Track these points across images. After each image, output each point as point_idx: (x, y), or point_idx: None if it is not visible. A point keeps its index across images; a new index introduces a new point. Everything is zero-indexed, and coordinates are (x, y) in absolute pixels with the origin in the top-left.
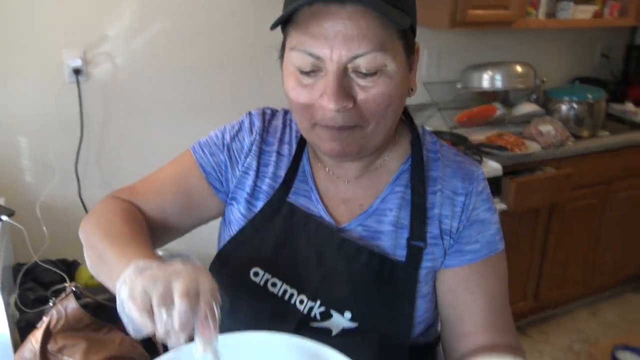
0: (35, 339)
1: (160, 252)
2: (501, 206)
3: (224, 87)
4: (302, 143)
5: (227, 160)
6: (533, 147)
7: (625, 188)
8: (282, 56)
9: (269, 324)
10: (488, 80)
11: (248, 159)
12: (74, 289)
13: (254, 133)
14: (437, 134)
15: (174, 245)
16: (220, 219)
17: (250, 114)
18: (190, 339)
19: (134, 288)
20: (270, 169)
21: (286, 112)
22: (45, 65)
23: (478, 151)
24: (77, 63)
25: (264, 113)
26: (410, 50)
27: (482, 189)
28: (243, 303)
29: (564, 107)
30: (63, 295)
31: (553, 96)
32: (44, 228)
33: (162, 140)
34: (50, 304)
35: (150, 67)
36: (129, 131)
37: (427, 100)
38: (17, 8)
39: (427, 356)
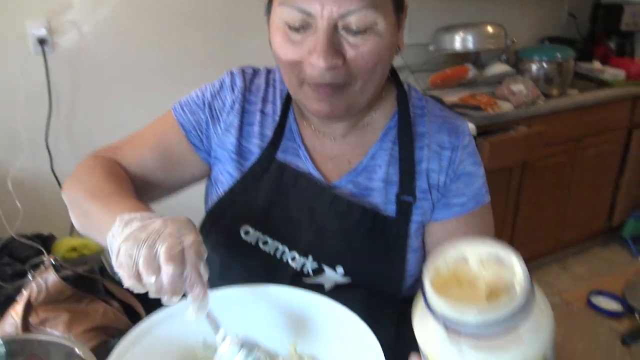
0: (15, 312)
1: None
2: None
3: (199, 50)
4: (287, 101)
5: (209, 119)
6: (505, 107)
7: (594, 144)
8: (268, 12)
9: (261, 282)
10: (460, 41)
11: (230, 117)
12: (53, 261)
13: (236, 92)
14: None
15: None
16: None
17: (231, 72)
18: (184, 295)
19: (119, 254)
20: (256, 128)
21: (269, 72)
22: (8, 36)
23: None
24: (42, 33)
25: (244, 72)
26: (399, 9)
27: (467, 143)
28: (235, 262)
29: (534, 67)
30: (42, 268)
31: (523, 56)
32: (17, 202)
33: (136, 109)
34: (29, 277)
35: (120, 34)
36: (101, 102)
37: (399, 63)
38: None
39: None
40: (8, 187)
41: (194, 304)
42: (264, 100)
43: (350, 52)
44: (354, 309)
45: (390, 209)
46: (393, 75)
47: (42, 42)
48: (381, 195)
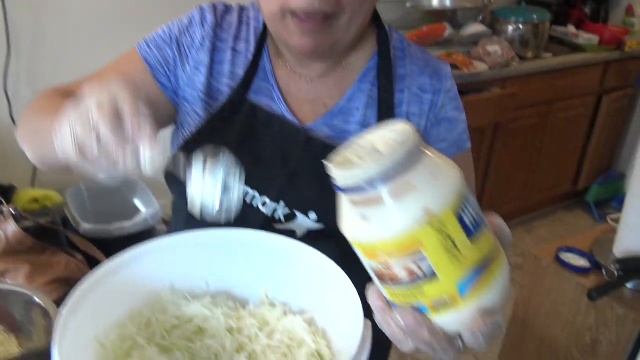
0: None
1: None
2: None
3: None
4: (262, 40)
5: (177, 56)
6: (480, 67)
7: (565, 109)
8: None
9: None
10: None
11: (200, 55)
12: (12, 211)
13: (206, 27)
14: None
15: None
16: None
17: (201, 8)
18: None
19: (60, 138)
20: (227, 66)
21: (242, 9)
22: None
23: None
24: None
25: (215, 7)
26: None
27: (450, 87)
28: None
29: (510, 28)
30: (1, 218)
31: (500, 16)
32: None
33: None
34: None
35: None
36: (65, 45)
37: None
38: None
39: None
40: None
41: (146, 153)
42: (236, 37)
43: None
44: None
45: None
46: (374, 17)
47: None
48: None
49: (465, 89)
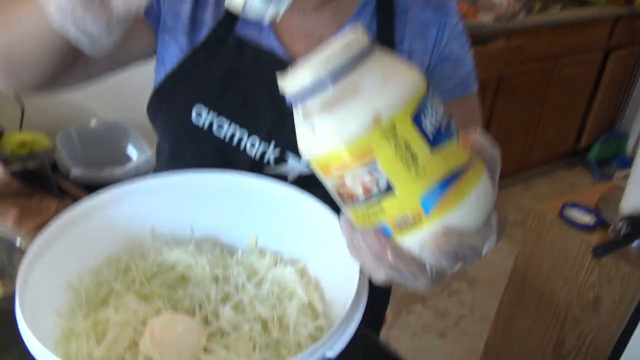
0: None
1: (93, 123)
2: None
3: None
4: None
5: None
6: (485, 19)
7: (571, 64)
8: None
9: None
10: None
11: None
12: None
13: None
14: None
15: (110, 115)
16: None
17: None
18: None
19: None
20: None
21: None
22: None
23: None
24: None
25: None
26: None
27: (456, 22)
28: (185, 150)
29: None
30: None
31: None
32: None
33: None
34: None
35: None
36: None
37: None
38: None
39: None
40: None
41: None
42: None
43: None
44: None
45: None
46: None
47: None
48: None
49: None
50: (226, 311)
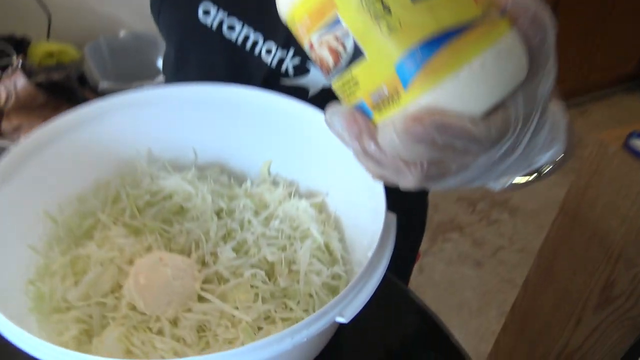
0: None
1: (122, 34)
2: None
3: None
4: None
5: None
6: None
7: None
8: None
9: (225, 81)
10: None
11: None
12: (22, 63)
13: None
14: None
15: (139, 25)
16: None
17: None
18: None
19: None
20: None
21: None
22: None
23: None
24: None
25: None
26: None
27: None
28: (192, 55)
29: None
30: (9, 70)
31: None
32: None
33: None
34: None
35: None
36: None
37: None
38: None
39: None
40: None
41: None
42: None
43: None
44: None
45: None
46: None
47: None
48: None
49: None
50: (226, 252)
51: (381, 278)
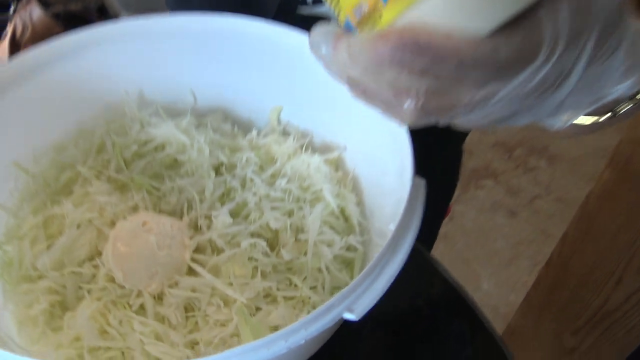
0: (1, 50)
1: None
2: None
3: None
4: None
5: None
6: None
7: None
8: None
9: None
10: None
11: None
12: None
13: None
14: None
15: None
16: None
17: None
18: None
19: None
20: None
21: None
22: None
23: None
24: None
25: None
26: None
27: None
28: None
29: None
30: (24, 0)
31: None
32: None
33: None
34: (11, 11)
35: None
36: None
37: None
38: None
39: None
40: None
41: None
42: None
43: None
44: None
45: None
46: None
47: None
48: None
49: None
50: (222, 216)
51: (403, 263)
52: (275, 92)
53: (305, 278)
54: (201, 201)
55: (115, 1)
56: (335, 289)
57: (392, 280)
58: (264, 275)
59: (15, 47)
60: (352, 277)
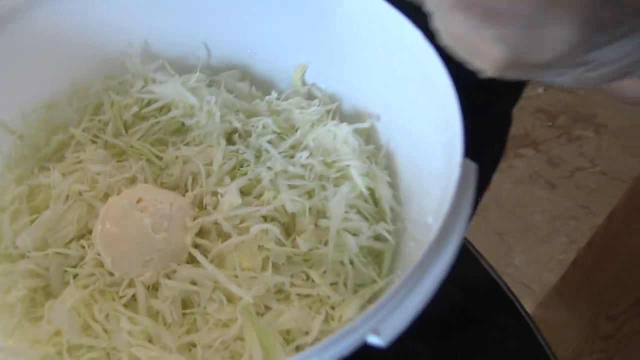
0: None
1: None
2: None
3: None
4: None
5: None
6: None
7: None
8: None
9: None
10: None
11: None
12: None
13: None
14: None
15: None
16: None
17: None
18: None
19: None
20: None
21: None
22: None
23: None
24: None
25: None
26: None
27: None
28: None
29: None
30: None
31: None
32: None
33: None
34: None
35: None
36: None
37: None
38: None
39: None
40: None
41: None
42: None
43: None
44: None
45: None
46: None
47: None
48: None
49: None
50: (230, 195)
51: (446, 273)
52: (301, 46)
53: (324, 273)
54: (208, 175)
55: None
56: (359, 286)
57: (428, 296)
58: (275, 268)
59: None
60: (380, 274)
